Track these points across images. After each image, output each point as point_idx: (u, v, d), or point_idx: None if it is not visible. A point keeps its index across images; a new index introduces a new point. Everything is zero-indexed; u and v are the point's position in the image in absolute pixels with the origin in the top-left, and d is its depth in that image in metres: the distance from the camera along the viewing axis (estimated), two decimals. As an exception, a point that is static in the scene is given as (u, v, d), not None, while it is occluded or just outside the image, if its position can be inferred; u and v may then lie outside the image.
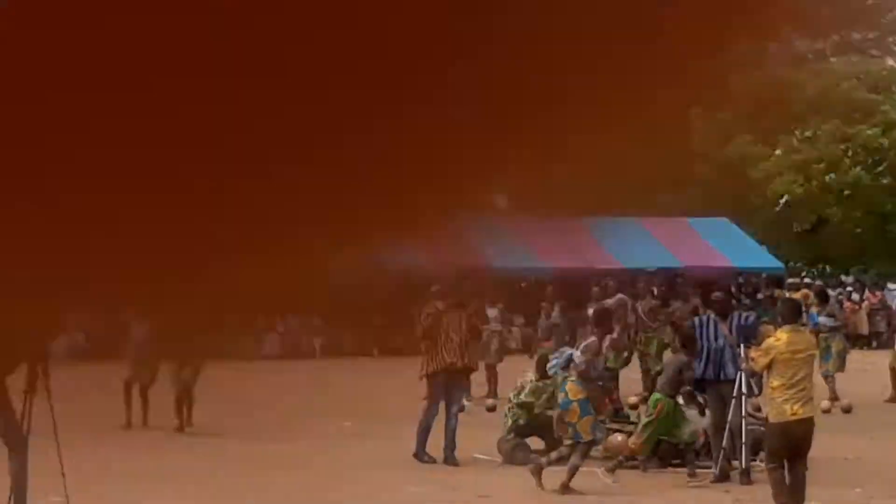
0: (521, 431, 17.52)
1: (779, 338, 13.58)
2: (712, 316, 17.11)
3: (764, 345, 13.95)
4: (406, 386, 19.80)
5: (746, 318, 17.31)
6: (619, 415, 19.12)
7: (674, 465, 16.89)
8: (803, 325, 17.19)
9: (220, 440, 18.72)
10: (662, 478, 16.26)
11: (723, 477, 15.97)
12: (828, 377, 24.93)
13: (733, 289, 38.64)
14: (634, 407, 19.94)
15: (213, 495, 14.38)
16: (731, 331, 16.66)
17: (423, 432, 17.22)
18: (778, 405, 13.51)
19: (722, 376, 16.47)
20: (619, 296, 26.28)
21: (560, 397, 15.37)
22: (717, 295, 18.17)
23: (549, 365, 16.20)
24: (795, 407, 13.48)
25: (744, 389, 16.43)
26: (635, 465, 16.73)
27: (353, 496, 14.34)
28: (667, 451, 17.05)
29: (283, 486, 14.86)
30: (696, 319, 17.42)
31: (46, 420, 11.84)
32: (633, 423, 17.71)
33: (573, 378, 15.10)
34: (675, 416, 16.52)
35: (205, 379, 19.37)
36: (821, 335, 25.27)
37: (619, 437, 17.28)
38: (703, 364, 16.67)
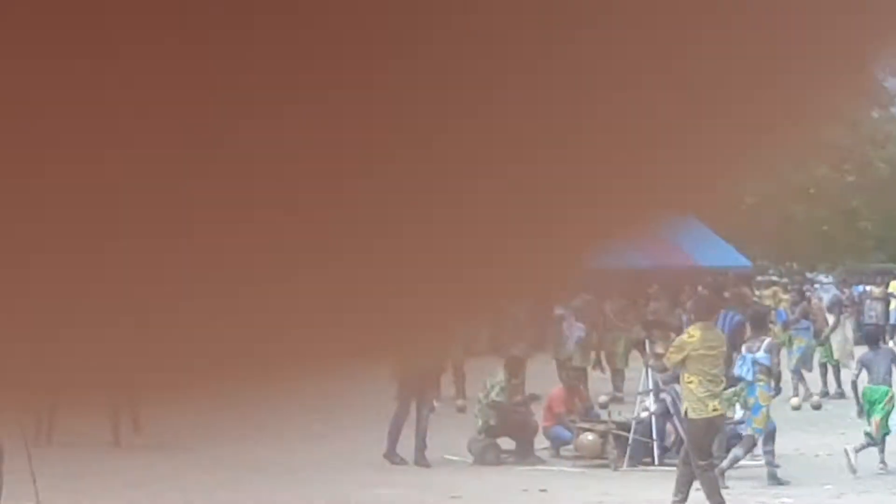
0: (491, 432, 17.54)
1: (692, 334, 13.59)
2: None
3: (677, 341, 13.99)
4: (375, 387, 19.76)
5: (732, 317, 17.37)
6: (589, 414, 19.14)
7: (644, 463, 16.94)
8: (771, 322, 17.27)
9: (185, 441, 18.63)
10: (633, 475, 16.31)
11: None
12: (795, 373, 25.06)
13: (700, 288, 38.75)
14: (604, 406, 19.97)
15: (180, 498, 14.32)
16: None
17: (395, 433, 17.22)
18: (700, 401, 13.57)
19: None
20: (585, 295, 26.30)
21: (750, 402, 15.53)
22: (702, 293, 18.20)
23: (736, 370, 16.25)
24: (715, 402, 13.66)
25: (649, 385, 16.97)
26: (605, 463, 16.78)
27: (323, 498, 14.30)
28: (637, 449, 17.11)
29: (251, 488, 14.81)
30: (685, 318, 17.48)
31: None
32: (603, 421, 17.73)
33: (762, 382, 15.27)
34: None
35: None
36: (787, 332, 25.49)
37: (589, 437, 17.32)
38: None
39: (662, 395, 17.59)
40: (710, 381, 13.54)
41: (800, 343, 26.09)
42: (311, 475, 15.76)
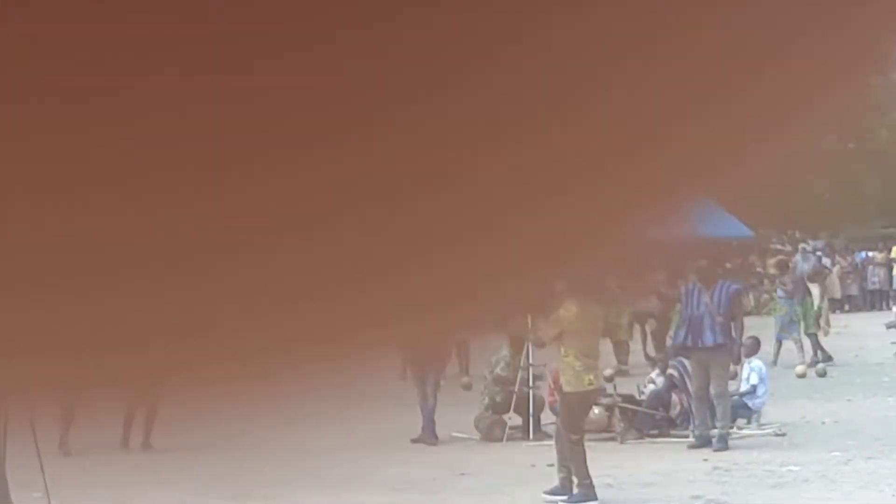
0: (498, 408, 17.56)
1: (568, 309, 13.53)
2: (697, 284, 17.14)
3: (553, 317, 13.93)
4: (381, 367, 19.77)
5: (728, 287, 17.36)
6: (595, 387, 19.13)
7: (651, 435, 16.97)
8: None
9: (194, 423, 18.65)
10: (640, 448, 16.33)
11: (701, 444, 16.07)
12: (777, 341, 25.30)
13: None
14: (610, 379, 19.98)
15: (191, 477, 14.34)
16: (713, 299, 16.76)
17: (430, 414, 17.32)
18: (576, 374, 13.66)
19: (700, 343, 16.58)
20: (587, 269, 26.27)
21: None
22: (701, 264, 18.19)
23: None
24: (591, 376, 13.75)
25: (531, 360, 17.09)
26: (612, 436, 16.80)
27: (332, 478, 14.34)
28: (643, 421, 17.14)
29: (261, 469, 14.84)
30: (683, 287, 17.49)
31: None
32: (609, 395, 17.75)
33: None
34: None
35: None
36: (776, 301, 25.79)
37: (595, 411, 17.34)
38: (684, 331, 16.83)
39: (670, 370, 17.62)
40: (585, 355, 13.61)
41: (781, 311, 26.22)
42: (318, 456, 15.78)
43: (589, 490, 13.22)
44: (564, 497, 13.27)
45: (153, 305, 0.60)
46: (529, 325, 15.55)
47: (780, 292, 26.71)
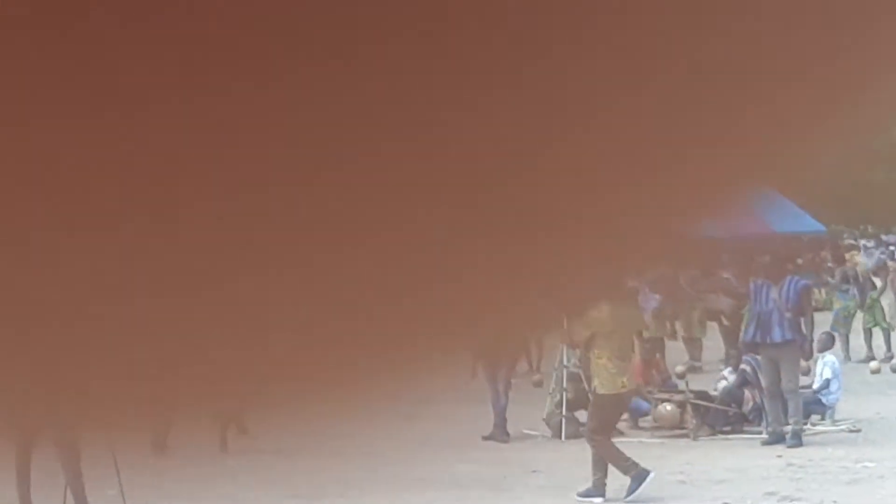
0: (569, 405, 17.52)
1: (601, 310, 13.39)
2: (766, 280, 17.02)
3: (585, 319, 13.80)
4: (452, 365, 19.79)
5: (797, 282, 17.21)
6: (667, 384, 19.05)
7: (724, 431, 16.89)
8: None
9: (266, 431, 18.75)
10: (713, 444, 16.26)
11: (775, 440, 15.97)
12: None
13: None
14: (682, 376, 19.89)
15: (265, 479, 14.43)
16: (781, 295, 16.63)
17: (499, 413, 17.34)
18: (610, 377, 13.63)
19: (768, 339, 16.47)
20: (660, 268, 26.18)
21: None
22: (769, 259, 18.03)
23: None
24: (624, 379, 13.70)
25: (564, 361, 16.93)
26: (685, 433, 16.74)
27: (404, 477, 14.38)
28: (716, 417, 17.06)
29: (332, 469, 14.90)
30: (752, 284, 17.36)
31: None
32: (681, 391, 17.68)
33: None
34: None
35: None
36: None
37: (668, 407, 17.28)
38: (752, 328, 16.72)
39: (743, 366, 17.52)
40: (619, 357, 13.56)
41: (837, 305, 26.06)
42: (393, 454, 15.83)
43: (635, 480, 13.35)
44: (600, 498, 13.32)
45: (247, 310, 0.61)
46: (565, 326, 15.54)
47: (843, 286, 26.59)
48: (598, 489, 13.38)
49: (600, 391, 13.82)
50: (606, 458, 13.45)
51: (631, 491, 13.27)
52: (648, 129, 0.61)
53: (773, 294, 16.66)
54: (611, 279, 0.73)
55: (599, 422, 13.84)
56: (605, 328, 13.41)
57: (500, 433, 17.17)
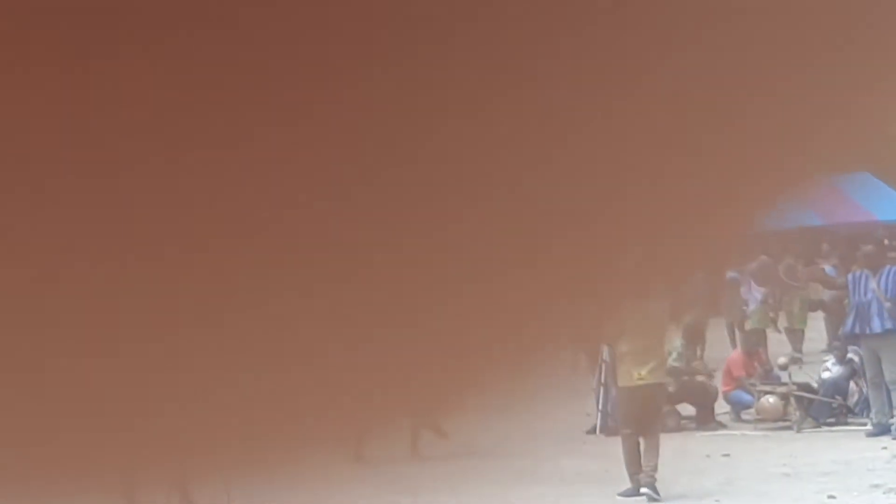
0: (671, 398, 17.41)
1: (629, 306, 13.11)
2: (865, 271, 16.79)
3: (616, 314, 13.51)
4: (554, 359, 19.67)
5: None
6: (770, 376, 18.85)
7: (828, 423, 16.70)
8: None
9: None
10: (817, 436, 16.08)
11: (880, 432, 15.76)
12: None
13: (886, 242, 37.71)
14: (784, 367, 19.65)
15: (390, 479, 14.48)
16: (880, 285, 16.39)
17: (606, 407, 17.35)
18: (626, 370, 13.69)
19: (868, 330, 16.24)
20: (763, 257, 25.86)
21: None
22: (868, 249, 17.72)
23: None
24: (641, 371, 13.55)
25: (605, 357, 16.72)
26: (788, 425, 16.57)
27: (506, 471, 14.37)
28: (819, 410, 16.87)
29: (434, 463, 14.91)
30: (850, 275, 17.12)
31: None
32: (784, 383, 17.49)
33: None
34: None
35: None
36: None
37: (770, 399, 17.12)
38: (851, 319, 16.50)
39: (850, 356, 17.29)
40: (638, 351, 13.51)
41: None
42: (502, 448, 15.82)
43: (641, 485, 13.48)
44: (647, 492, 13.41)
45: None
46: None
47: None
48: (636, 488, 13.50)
49: (620, 384, 14.13)
50: (623, 452, 13.60)
51: (626, 494, 13.45)
52: (748, 119, 0.64)
53: (872, 284, 16.41)
54: (712, 276, 0.75)
55: (622, 415, 14.18)
56: (628, 324, 13.40)
57: (603, 427, 17.11)
